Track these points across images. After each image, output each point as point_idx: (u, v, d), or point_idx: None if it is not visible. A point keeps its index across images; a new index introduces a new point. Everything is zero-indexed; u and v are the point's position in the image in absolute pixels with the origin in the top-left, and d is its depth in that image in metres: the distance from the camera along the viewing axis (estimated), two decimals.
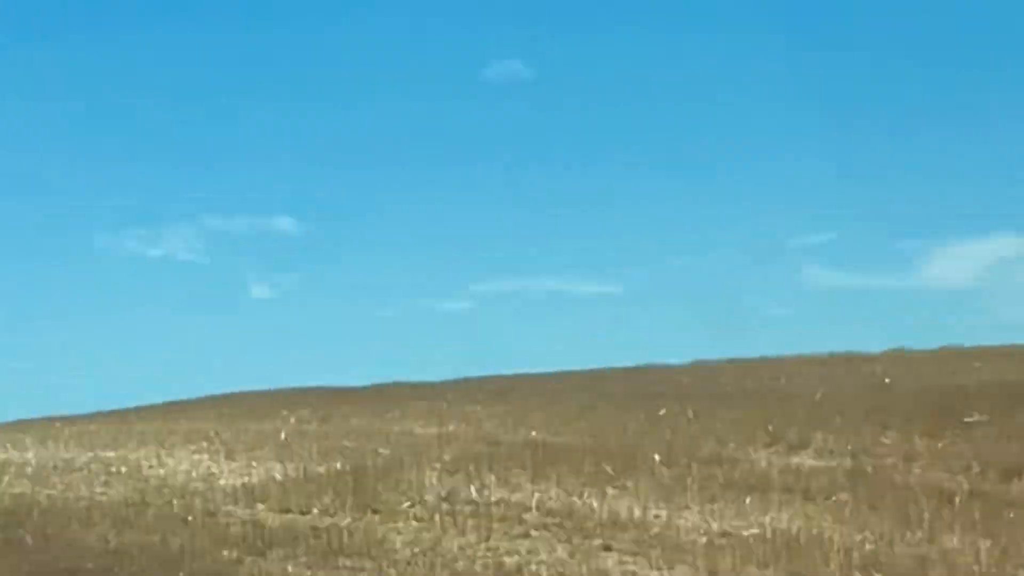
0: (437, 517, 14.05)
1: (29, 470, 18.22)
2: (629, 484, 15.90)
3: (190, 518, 14.18)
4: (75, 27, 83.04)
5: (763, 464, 17.62)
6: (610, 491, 15.58)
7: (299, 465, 17.58)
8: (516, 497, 15.18)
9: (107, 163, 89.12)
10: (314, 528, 13.68)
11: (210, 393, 36.52)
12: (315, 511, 14.56)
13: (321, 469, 17.24)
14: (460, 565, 12.33)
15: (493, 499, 14.95)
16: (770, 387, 28.55)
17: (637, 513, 14.30)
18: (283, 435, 20.84)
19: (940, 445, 18.82)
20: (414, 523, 13.95)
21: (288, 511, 14.69)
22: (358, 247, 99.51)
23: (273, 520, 14.21)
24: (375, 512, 14.44)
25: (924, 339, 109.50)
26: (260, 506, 15.00)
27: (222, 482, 16.84)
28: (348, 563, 12.38)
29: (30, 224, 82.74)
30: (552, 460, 17.26)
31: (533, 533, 13.53)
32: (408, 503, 14.69)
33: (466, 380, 35.54)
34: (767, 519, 14.11)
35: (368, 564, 12.32)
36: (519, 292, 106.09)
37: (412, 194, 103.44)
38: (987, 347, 34.69)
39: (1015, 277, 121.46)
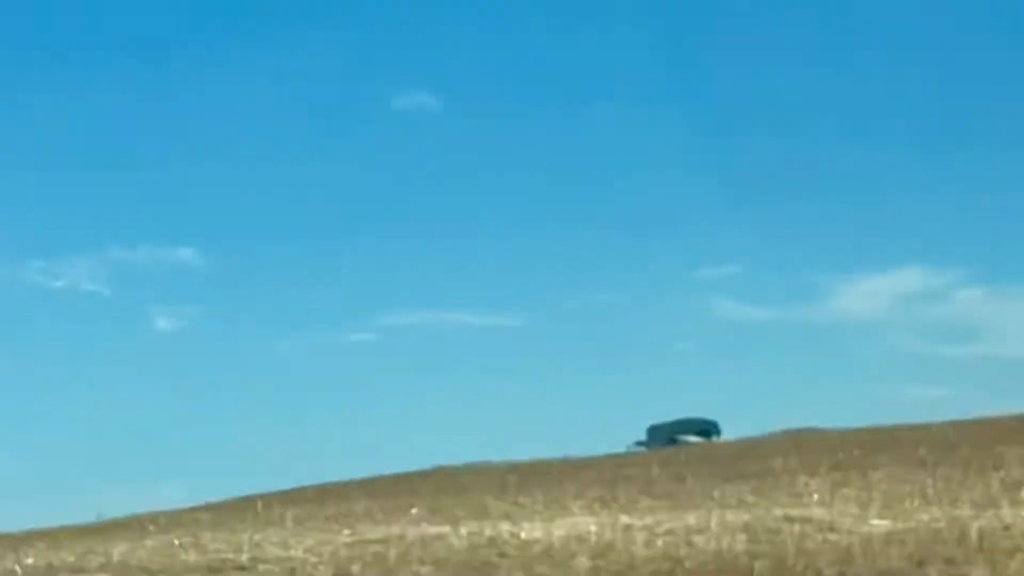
0: None
1: None
2: None
3: None
4: None
5: None
6: None
7: None
8: None
9: (5, 191, 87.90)
10: None
11: None
12: None
13: None
14: None
15: None
16: None
17: None
18: None
19: None
20: None
21: None
22: (262, 277, 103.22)
23: None
24: None
25: (832, 372, 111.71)
26: None
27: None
28: None
29: None
30: None
31: None
32: None
33: None
34: None
35: None
36: (425, 324, 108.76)
37: (315, 225, 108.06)
38: None
39: (920, 310, 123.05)
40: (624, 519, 18.19)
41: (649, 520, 17.84)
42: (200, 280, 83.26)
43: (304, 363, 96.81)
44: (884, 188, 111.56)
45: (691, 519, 17.71)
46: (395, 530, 18.10)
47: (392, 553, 15.87)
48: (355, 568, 14.99)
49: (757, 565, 13.89)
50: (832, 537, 15.58)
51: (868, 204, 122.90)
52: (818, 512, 17.82)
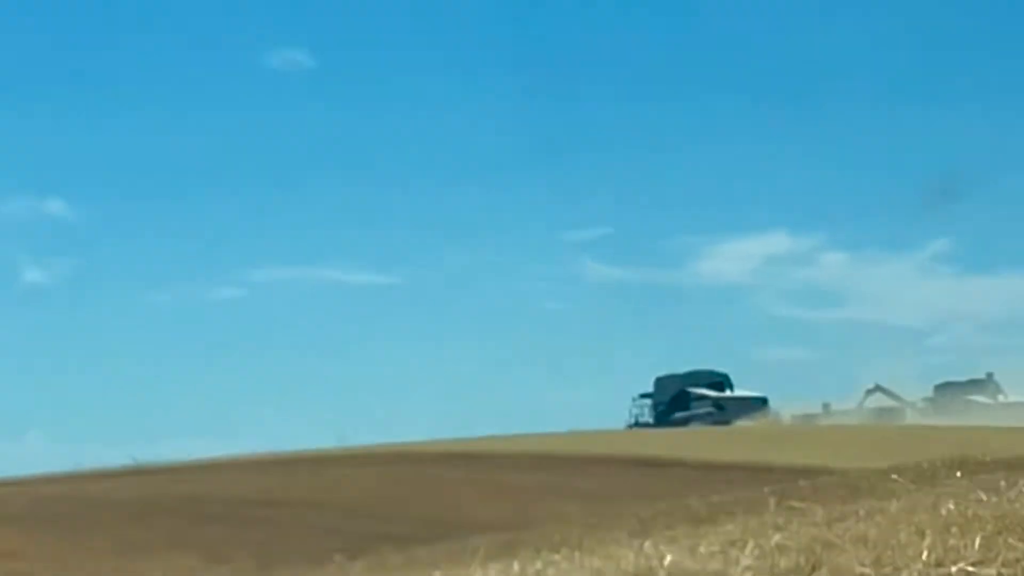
0: None
1: None
2: None
3: None
4: None
5: None
6: None
7: None
8: None
9: None
10: None
11: None
12: None
13: None
14: None
15: None
16: None
17: None
18: None
19: None
20: None
21: None
22: (133, 231, 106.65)
23: None
24: None
25: (697, 333, 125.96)
26: None
27: None
28: None
29: None
30: None
31: None
32: None
33: None
34: None
35: None
36: (295, 280, 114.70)
37: (187, 180, 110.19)
38: None
39: (785, 274, 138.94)
40: None
41: None
42: (71, 233, 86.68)
43: (174, 317, 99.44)
44: (752, 153, 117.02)
45: None
46: None
47: None
48: None
49: None
50: None
51: (736, 169, 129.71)
52: None
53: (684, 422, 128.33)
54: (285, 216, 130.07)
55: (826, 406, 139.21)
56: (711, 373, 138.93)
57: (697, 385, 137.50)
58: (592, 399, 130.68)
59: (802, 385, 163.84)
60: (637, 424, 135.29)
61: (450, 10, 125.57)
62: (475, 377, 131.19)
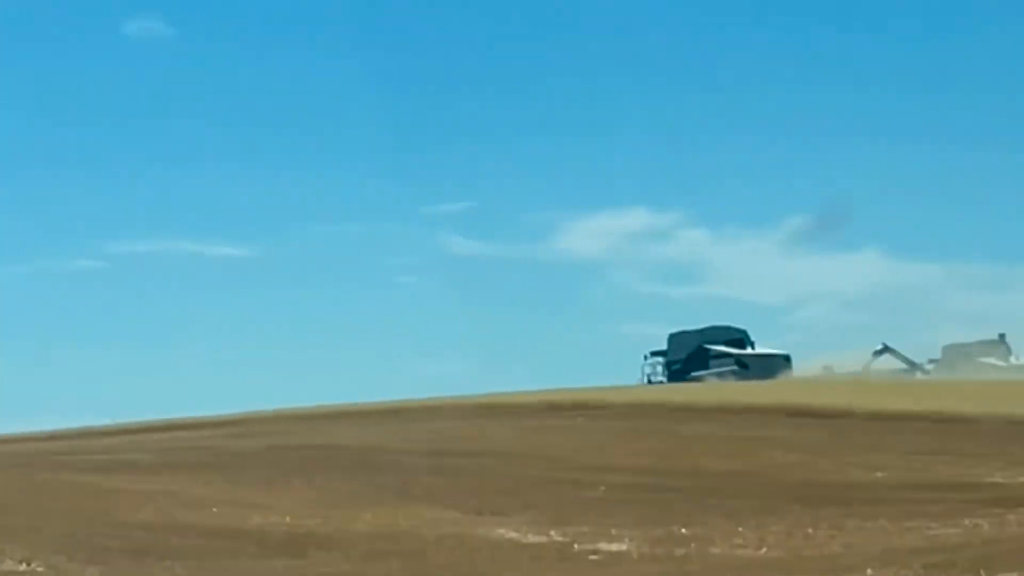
0: None
1: None
2: None
3: None
4: None
5: None
6: None
7: None
8: None
9: None
10: None
11: None
12: None
13: None
14: None
15: None
16: None
17: None
18: None
19: None
20: None
21: None
22: None
23: None
24: None
25: (555, 309, 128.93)
26: None
27: None
28: None
29: None
30: None
31: None
32: None
33: None
34: None
35: None
36: (153, 253, 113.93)
37: (47, 150, 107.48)
38: None
39: (644, 250, 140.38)
40: None
41: None
42: None
43: (30, 289, 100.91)
44: (610, 129, 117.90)
45: None
46: None
47: None
48: None
49: None
50: None
51: (594, 144, 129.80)
52: None
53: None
54: (142, 189, 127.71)
55: (827, 367, 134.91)
56: (729, 329, 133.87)
57: (715, 342, 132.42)
58: (456, 371, 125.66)
59: None
60: (650, 383, 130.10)
61: None
62: (336, 347, 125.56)
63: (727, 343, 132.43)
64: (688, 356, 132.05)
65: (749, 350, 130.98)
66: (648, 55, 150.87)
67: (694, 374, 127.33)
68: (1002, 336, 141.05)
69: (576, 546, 27.38)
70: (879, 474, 40.54)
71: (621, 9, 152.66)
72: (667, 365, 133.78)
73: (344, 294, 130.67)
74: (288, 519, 32.60)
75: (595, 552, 26.73)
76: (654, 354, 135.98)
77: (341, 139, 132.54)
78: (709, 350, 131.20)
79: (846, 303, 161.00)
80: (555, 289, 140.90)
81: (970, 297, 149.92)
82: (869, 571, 21.77)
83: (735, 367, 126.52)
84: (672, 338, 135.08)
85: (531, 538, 28.70)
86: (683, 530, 29.15)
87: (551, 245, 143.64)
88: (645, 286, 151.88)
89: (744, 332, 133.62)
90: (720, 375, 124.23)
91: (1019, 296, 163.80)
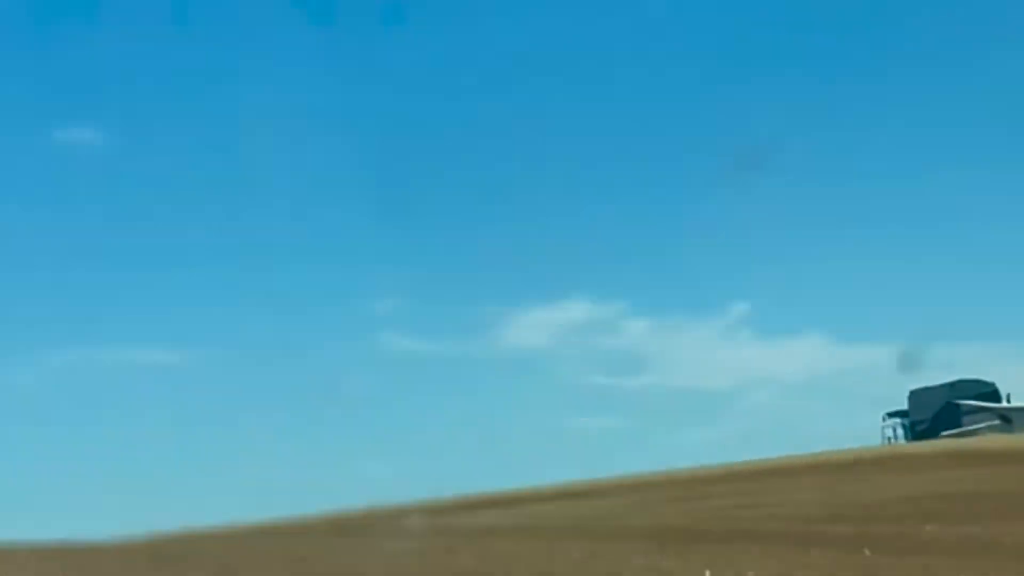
0: None
1: None
2: None
3: None
4: None
5: None
6: None
7: None
8: None
9: None
10: None
11: None
12: None
13: None
14: None
15: None
16: None
17: None
18: None
19: None
20: None
21: None
22: None
23: None
24: None
25: (498, 404, 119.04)
26: None
27: None
28: None
29: None
30: None
31: None
32: None
33: None
34: None
35: None
36: (86, 361, 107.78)
37: None
38: None
39: (589, 341, 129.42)
40: None
41: None
42: None
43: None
44: (549, 219, 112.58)
45: None
46: None
47: None
48: None
49: None
50: None
51: (534, 235, 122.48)
52: None
53: None
54: (69, 295, 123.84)
55: None
56: (979, 383, 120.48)
57: (965, 397, 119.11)
58: (394, 472, 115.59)
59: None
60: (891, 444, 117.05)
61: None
62: (288, 455, 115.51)
63: (977, 397, 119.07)
64: (935, 414, 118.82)
65: (1006, 404, 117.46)
66: (572, 137, 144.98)
67: (945, 433, 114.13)
68: None
69: None
70: None
71: (562, 89, 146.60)
72: (911, 425, 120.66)
73: (285, 395, 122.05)
74: None
75: None
76: (892, 415, 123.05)
77: (278, 240, 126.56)
78: (960, 406, 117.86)
79: (788, 388, 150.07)
80: (500, 384, 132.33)
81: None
82: None
83: (996, 422, 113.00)
84: (914, 396, 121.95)
85: None
86: None
87: (493, 339, 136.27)
88: (591, 378, 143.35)
89: (993, 385, 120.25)
90: (977, 431, 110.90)
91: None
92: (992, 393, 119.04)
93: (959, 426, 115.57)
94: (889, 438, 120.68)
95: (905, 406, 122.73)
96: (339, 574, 33.91)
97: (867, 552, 26.34)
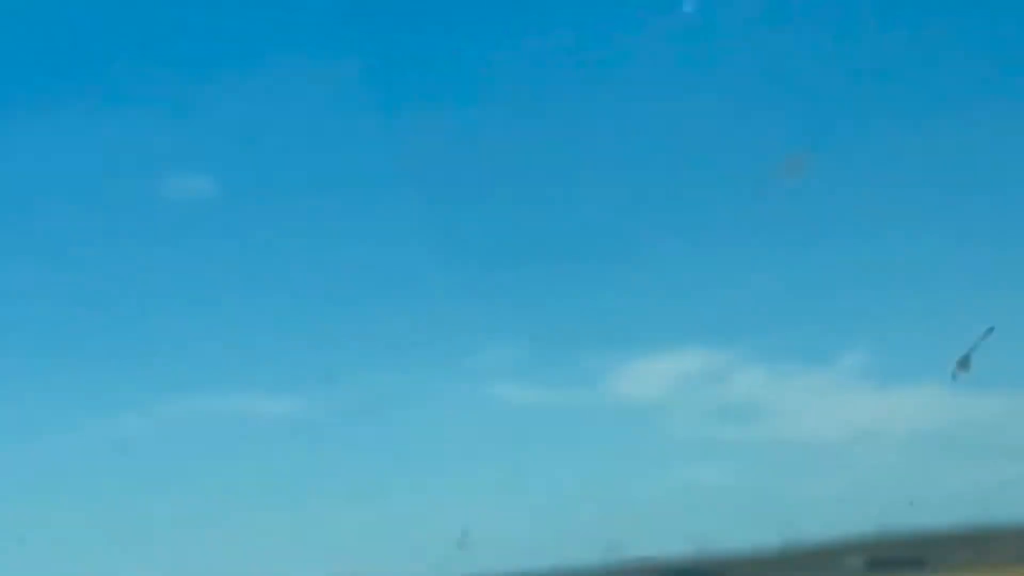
0: None
1: None
2: None
3: None
4: None
5: None
6: None
7: None
8: None
9: None
10: None
11: None
12: None
13: None
14: None
15: None
16: None
17: None
18: None
19: None
20: None
21: None
22: (11, 359, 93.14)
23: None
24: None
25: (611, 455, 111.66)
26: None
27: None
28: None
29: None
30: None
31: None
32: None
33: None
34: None
35: None
36: (204, 411, 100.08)
37: (85, 301, 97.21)
38: None
39: (702, 391, 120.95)
40: None
41: None
42: None
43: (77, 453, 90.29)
44: (662, 265, 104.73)
45: None
46: None
47: None
48: None
49: None
50: None
51: (643, 282, 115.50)
52: None
53: None
54: (188, 343, 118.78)
55: None
56: None
57: None
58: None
59: None
60: None
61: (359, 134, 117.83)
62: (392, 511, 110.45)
63: None
64: None
65: None
66: (692, 198, 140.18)
67: None
68: None
69: None
70: None
71: (678, 136, 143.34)
72: None
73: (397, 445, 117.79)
74: None
75: None
76: None
77: (388, 288, 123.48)
78: None
79: (905, 440, 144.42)
80: (612, 434, 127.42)
81: None
82: None
83: None
84: None
85: None
86: None
87: (603, 389, 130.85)
88: (704, 429, 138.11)
89: None
90: None
91: None
92: None
93: None
94: None
95: None
96: None
97: None
